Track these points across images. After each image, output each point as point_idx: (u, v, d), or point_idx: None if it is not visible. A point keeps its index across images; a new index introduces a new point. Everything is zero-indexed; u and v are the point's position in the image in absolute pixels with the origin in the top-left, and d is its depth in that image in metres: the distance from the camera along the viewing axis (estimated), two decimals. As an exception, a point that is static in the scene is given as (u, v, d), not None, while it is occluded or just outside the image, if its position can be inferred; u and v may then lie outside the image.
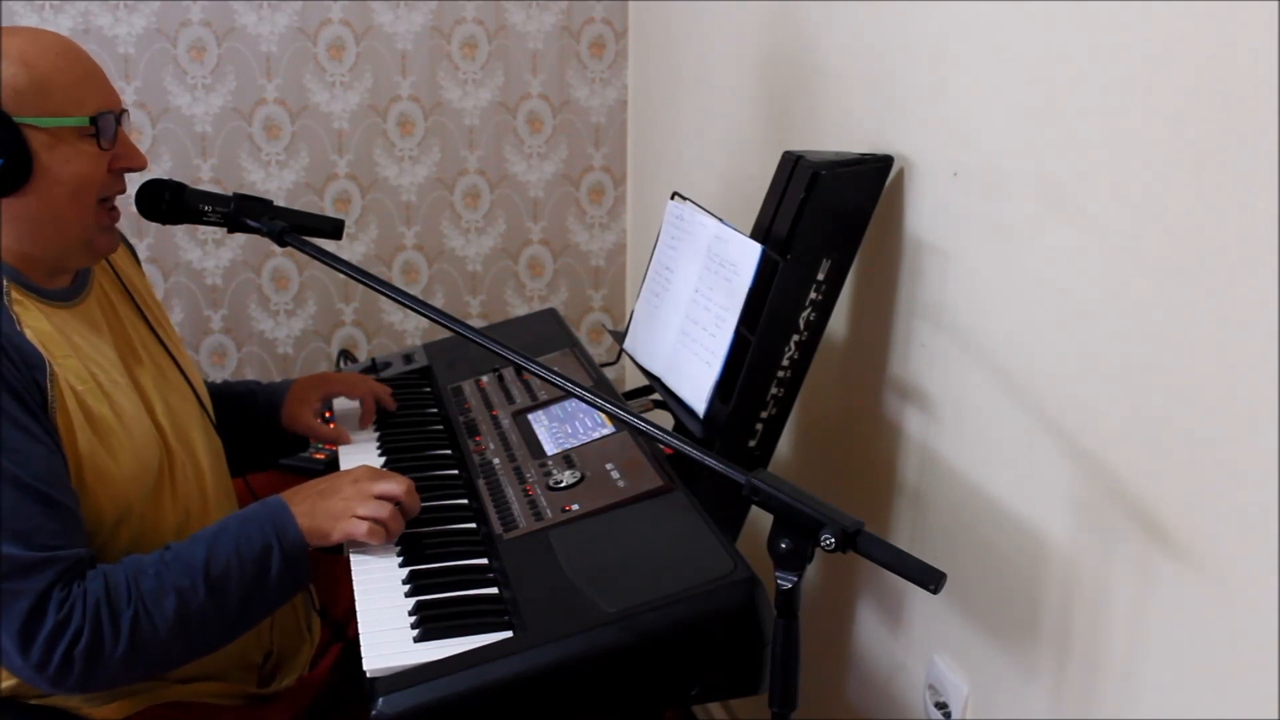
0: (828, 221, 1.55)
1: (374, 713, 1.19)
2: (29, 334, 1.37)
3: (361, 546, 1.45)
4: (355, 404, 1.84)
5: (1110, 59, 1.21)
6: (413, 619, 1.32)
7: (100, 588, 1.32)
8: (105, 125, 1.41)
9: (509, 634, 1.28)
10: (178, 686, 1.51)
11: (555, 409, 1.73)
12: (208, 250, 2.65)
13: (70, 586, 1.31)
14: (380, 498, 1.45)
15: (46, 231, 1.41)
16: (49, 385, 1.34)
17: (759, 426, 1.63)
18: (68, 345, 1.40)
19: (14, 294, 1.39)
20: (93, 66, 1.43)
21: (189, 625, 1.35)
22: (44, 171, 1.37)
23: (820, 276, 1.57)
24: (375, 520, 1.43)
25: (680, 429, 1.63)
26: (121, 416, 1.43)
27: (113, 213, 1.47)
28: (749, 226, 1.64)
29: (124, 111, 1.46)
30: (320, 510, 1.43)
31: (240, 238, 2.64)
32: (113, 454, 1.40)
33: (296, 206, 2.21)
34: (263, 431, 1.81)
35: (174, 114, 2.55)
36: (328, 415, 1.85)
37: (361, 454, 1.74)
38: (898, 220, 1.61)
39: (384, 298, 1.68)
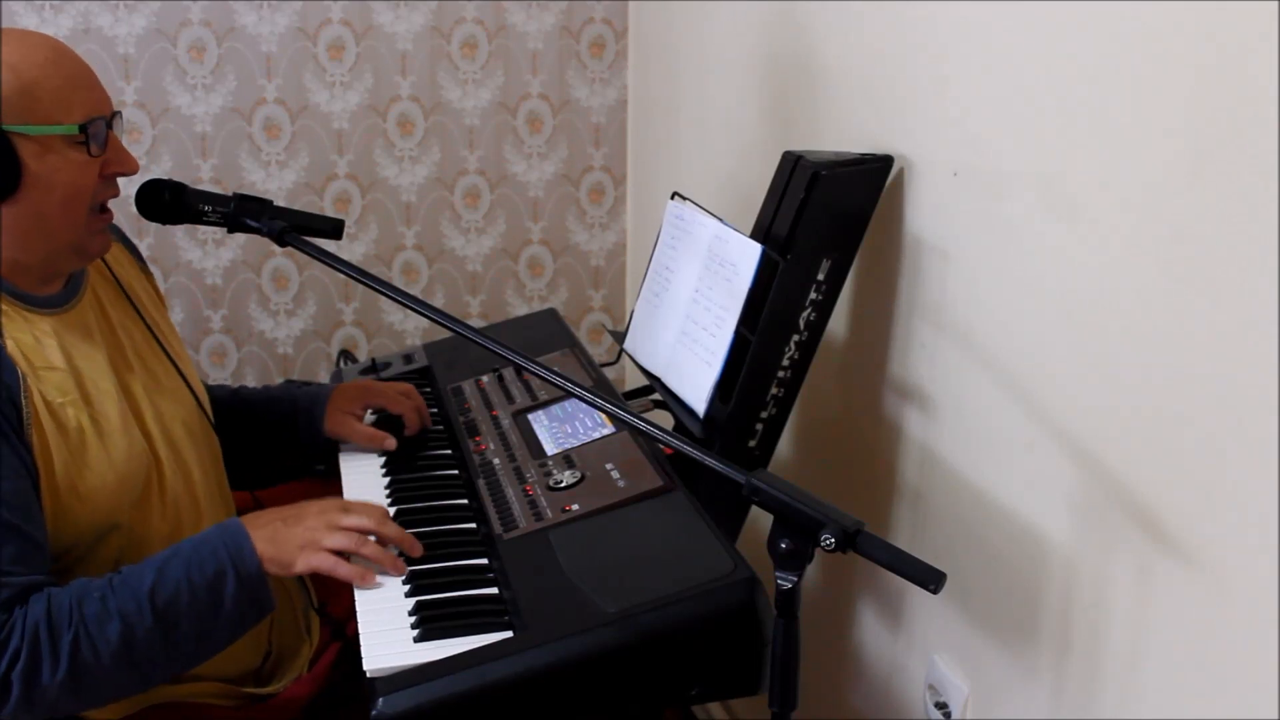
0: (828, 221, 1.55)
1: (374, 713, 1.19)
2: (10, 345, 1.35)
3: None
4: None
5: (1110, 59, 1.21)
6: (413, 619, 1.32)
7: (42, 610, 1.28)
8: (95, 132, 1.38)
9: (509, 634, 1.28)
10: (175, 687, 1.50)
11: (555, 409, 1.73)
12: (208, 250, 2.65)
13: (12, 610, 1.27)
14: (347, 529, 1.39)
15: (37, 239, 1.38)
16: (23, 401, 1.33)
17: (759, 426, 1.63)
18: (53, 354, 1.39)
19: (1, 303, 1.37)
20: (83, 70, 1.40)
21: (134, 652, 1.30)
22: (34, 180, 1.34)
23: (820, 276, 1.57)
24: (342, 552, 1.38)
25: (680, 429, 1.63)
26: (103, 428, 1.41)
27: (105, 215, 1.45)
28: (749, 226, 1.64)
29: (116, 114, 1.43)
30: (283, 537, 1.37)
31: (240, 238, 2.64)
32: (90, 467, 1.39)
33: (296, 206, 2.21)
34: (301, 439, 1.76)
35: (174, 114, 2.55)
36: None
37: (363, 455, 1.74)
38: (898, 220, 1.61)
39: (384, 298, 1.68)
